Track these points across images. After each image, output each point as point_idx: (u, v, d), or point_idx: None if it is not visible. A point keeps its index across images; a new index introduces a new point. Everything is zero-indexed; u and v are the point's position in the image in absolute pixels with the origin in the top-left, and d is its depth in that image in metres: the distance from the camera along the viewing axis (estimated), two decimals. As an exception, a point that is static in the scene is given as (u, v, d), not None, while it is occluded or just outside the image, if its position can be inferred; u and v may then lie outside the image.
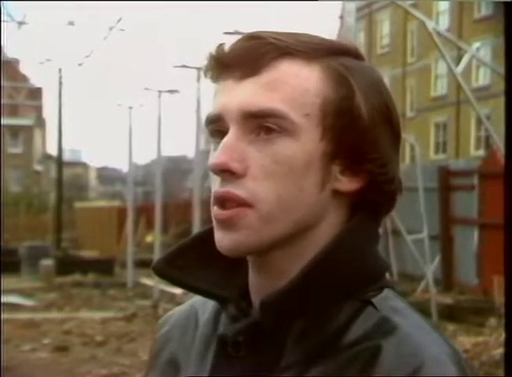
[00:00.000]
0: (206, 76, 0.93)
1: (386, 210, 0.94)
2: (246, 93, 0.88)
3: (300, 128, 0.87)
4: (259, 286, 0.92)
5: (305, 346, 0.88)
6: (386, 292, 0.91)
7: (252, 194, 0.87)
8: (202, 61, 0.92)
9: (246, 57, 0.88)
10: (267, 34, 0.89)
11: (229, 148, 0.87)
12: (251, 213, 0.87)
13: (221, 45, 0.91)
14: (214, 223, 0.90)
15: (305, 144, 0.88)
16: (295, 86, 0.88)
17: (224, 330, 0.94)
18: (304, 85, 0.88)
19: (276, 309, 0.88)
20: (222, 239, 0.89)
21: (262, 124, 0.87)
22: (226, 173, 0.87)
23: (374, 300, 0.89)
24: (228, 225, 0.88)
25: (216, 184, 0.89)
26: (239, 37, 0.91)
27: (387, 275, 0.95)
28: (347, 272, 0.89)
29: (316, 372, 0.86)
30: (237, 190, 0.87)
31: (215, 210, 0.89)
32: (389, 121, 0.92)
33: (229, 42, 0.91)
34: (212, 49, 0.91)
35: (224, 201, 0.88)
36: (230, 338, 0.91)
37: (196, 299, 1.05)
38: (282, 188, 0.87)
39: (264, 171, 0.87)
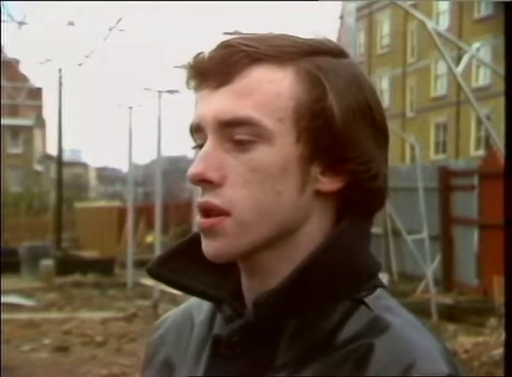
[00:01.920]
0: (187, 87, 0.94)
1: (376, 208, 0.94)
2: (219, 102, 0.89)
3: (274, 133, 0.88)
4: (250, 287, 0.93)
5: (299, 346, 0.89)
6: (379, 291, 0.92)
7: (229, 202, 0.88)
8: (183, 71, 0.93)
9: (219, 66, 0.89)
10: (238, 42, 0.90)
11: (207, 157, 0.89)
12: (230, 221, 0.88)
13: (198, 55, 0.92)
14: (200, 231, 0.92)
15: (281, 148, 0.88)
16: (267, 91, 0.88)
17: (219, 330, 0.95)
18: (276, 89, 0.89)
19: (267, 309, 0.89)
20: (206, 247, 0.91)
21: (237, 132, 0.88)
22: (204, 182, 0.89)
23: (366, 299, 0.90)
24: (209, 233, 0.90)
25: (199, 194, 0.91)
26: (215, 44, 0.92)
27: (379, 274, 0.95)
28: (339, 273, 0.90)
29: (310, 371, 0.87)
30: (215, 199, 0.89)
31: (198, 219, 0.91)
32: (370, 118, 0.91)
33: (207, 49, 0.92)
34: (190, 58, 0.92)
35: (205, 211, 0.89)
36: (224, 339, 0.92)
37: (192, 302, 1.06)
38: (259, 194, 0.88)
39: (241, 179, 0.88)
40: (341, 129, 0.89)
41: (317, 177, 0.90)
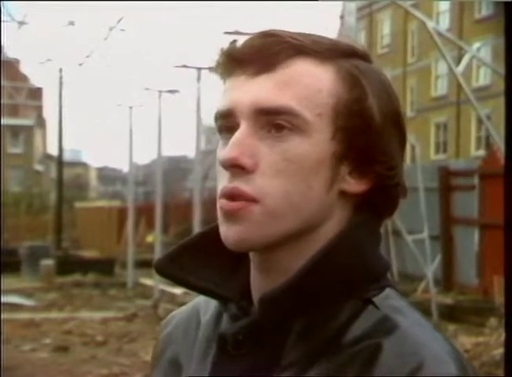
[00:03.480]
0: (216, 72, 0.93)
1: (389, 213, 0.95)
2: (259, 90, 0.88)
3: (312, 127, 0.88)
4: (260, 285, 0.92)
5: (306, 345, 0.88)
6: (388, 291, 0.91)
7: (260, 190, 0.87)
8: (213, 57, 0.92)
9: (261, 54, 0.89)
10: (283, 33, 0.90)
11: (240, 143, 0.87)
12: (257, 208, 0.87)
13: (234, 42, 0.91)
14: (220, 215, 0.90)
15: (317, 143, 0.88)
16: (309, 85, 0.88)
17: (225, 329, 0.94)
18: (317, 84, 0.89)
19: (274, 307, 0.88)
20: (228, 232, 0.89)
21: (274, 121, 0.88)
22: (236, 168, 0.87)
23: (375, 299, 0.89)
24: (234, 217, 0.88)
25: (224, 180, 0.89)
26: (243, 35, 0.91)
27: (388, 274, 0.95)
28: (347, 271, 0.89)
29: (317, 371, 0.86)
30: (245, 186, 0.87)
31: (222, 202, 0.89)
32: (398, 125, 0.93)
33: (242, 39, 0.91)
34: (224, 45, 0.92)
35: (232, 196, 0.88)
36: (230, 337, 0.91)
37: (199, 300, 1.06)
38: (291, 185, 0.87)
39: (273, 168, 0.87)
40: (377, 132, 0.89)
41: (344, 177, 0.90)
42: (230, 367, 0.91)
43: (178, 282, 0.97)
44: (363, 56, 0.93)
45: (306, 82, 0.88)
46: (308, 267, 0.88)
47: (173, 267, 0.96)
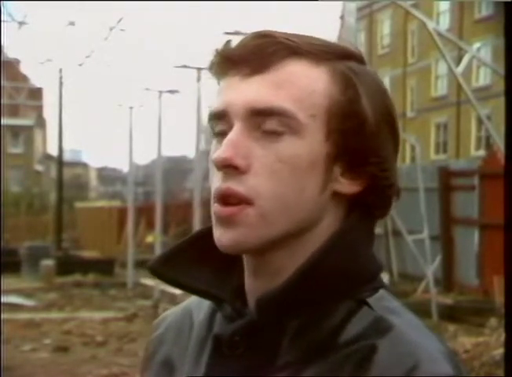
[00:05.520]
0: (211, 72, 0.93)
1: (382, 214, 0.95)
2: (253, 90, 0.88)
3: (305, 128, 0.88)
4: (255, 286, 0.92)
5: (301, 345, 0.88)
6: (381, 292, 0.92)
7: (253, 191, 0.87)
8: (208, 57, 0.92)
9: (255, 55, 0.88)
10: (277, 34, 0.90)
11: (234, 143, 0.87)
12: (251, 210, 0.87)
13: (228, 42, 0.91)
14: (214, 220, 0.90)
15: (310, 144, 0.88)
16: (303, 86, 0.88)
17: (220, 330, 0.94)
18: (311, 86, 0.89)
19: (271, 308, 0.88)
20: (222, 237, 0.89)
21: (268, 122, 0.87)
22: (230, 168, 0.87)
23: (369, 300, 0.89)
24: (228, 222, 0.88)
25: (217, 181, 0.89)
26: (243, 35, 0.91)
27: (381, 276, 0.95)
28: (342, 272, 0.89)
29: (312, 371, 0.86)
30: (238, 187, 0.87)
31: (216, 207, 0.89)
32: (391, 126, 0.92)
33: (236, 40, 0.91)
34: (219, 45, 0.91)
35: (225, 197, 0.88)
36: (226, 338, 0.91)
37: (191, 301, 1.06)
38: (284, 186, 0.87)
39: (267, 169, 0.87)
40: (370, 133, 0.89)
41: (337, 178, 0.90)
42: (225, 368, 0.91)
43: (172, 283, 0.97)
44: (358, 59, 0.93)
45: (300, 84, 0.88)
46: (304, 268, 0.88)
47: (167, 268, 0.96)
